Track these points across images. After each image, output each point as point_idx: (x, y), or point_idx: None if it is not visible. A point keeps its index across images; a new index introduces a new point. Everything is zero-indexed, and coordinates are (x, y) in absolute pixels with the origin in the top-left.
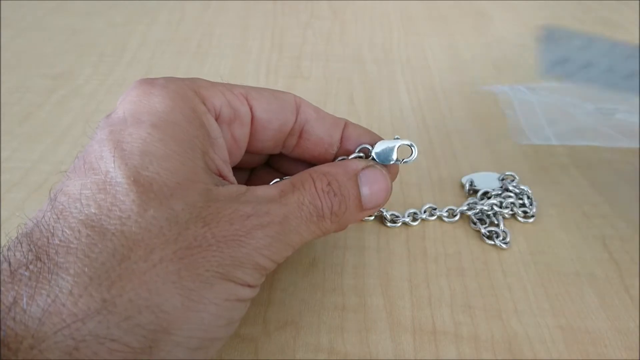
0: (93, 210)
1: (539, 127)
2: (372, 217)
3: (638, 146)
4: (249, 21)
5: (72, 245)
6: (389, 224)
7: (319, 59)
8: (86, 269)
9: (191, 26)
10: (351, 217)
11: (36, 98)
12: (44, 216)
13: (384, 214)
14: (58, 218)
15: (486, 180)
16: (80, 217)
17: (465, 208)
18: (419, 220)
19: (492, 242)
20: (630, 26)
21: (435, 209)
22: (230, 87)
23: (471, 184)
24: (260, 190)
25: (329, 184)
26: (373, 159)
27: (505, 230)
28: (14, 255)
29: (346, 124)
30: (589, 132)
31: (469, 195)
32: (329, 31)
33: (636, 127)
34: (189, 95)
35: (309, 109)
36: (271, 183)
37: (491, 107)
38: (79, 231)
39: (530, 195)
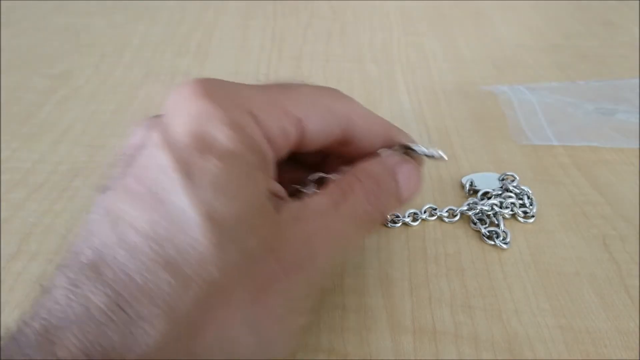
0: (170, 252)
1: (539, 127)
2: None
3: (638, 146)
4: (249, 21)
5: (153, 295)
6: (389, 224)
7: (319, 59)
8: (171, 324)
9: (191, 26)
10: (391, 210)
11: (36, 98)
12: (110, 248)
13: None
14: (132, 257)
15: (486, 181)
16: (158, 260)
17: (465, 208)
18: (419, 220)
19: (492, 242)
20: (630, 26)
21: (435, 209)
22: (284, 108)
23: (471, 184)
24: (313, 203)
25: (377, 184)
26: (406, 148)
27: (506, 230)
28: (89, 295)
29: (392, 131)
30: (589, 132)
31: (469, 195)
32: (329, 31)
33: (636, 127)
34: (248, 122)
35: (359, 120)
36: (310, 178)
37: (491, 107)
38: (159, 276)
39: (530, 195)
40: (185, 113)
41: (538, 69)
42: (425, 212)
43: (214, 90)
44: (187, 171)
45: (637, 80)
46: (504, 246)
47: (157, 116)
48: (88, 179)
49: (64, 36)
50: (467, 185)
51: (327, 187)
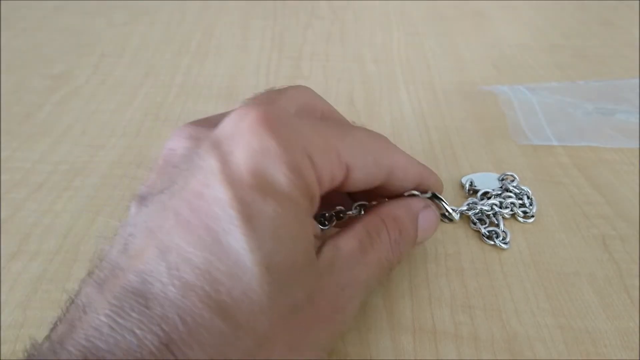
0: (224, 298)
1: (539, 127)
2: None
3: (638, 146)
4: (249, 21)
5: (205, 341)
6: None
7: (319, 59)
8: None
9: (191, 26)
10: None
11: (36, 98)
12: (159, 280)
13: None
14: (184, 296)
15: (486, 181)
16: (211, 304)
17: (465, 208)
18: None
19: (492, 242)
20: (630, 26)
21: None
22: (338, 153)
23: (471, 184)
24: (344, 247)
25: (400, 232)
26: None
27: (505, 230)
28: (136, 331)
29: (424, 176)
30: (589, 132)
31: (469, 195)
32: (329, 31)
33: (636, 127)
34: (306, 165)
35: (400, 173)
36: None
37: (491, 107)
38: (212, 322)
39: (530, 195)
40: (247, 146)
41: (538, 69)
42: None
43: (278, 125)
44: (247, 213)
45: (637, 80)
46: (504, 246)
47: (203, 125)
48: (88, 178)
49: (64, 36)
50: (467, 185)
51: (355, 227)
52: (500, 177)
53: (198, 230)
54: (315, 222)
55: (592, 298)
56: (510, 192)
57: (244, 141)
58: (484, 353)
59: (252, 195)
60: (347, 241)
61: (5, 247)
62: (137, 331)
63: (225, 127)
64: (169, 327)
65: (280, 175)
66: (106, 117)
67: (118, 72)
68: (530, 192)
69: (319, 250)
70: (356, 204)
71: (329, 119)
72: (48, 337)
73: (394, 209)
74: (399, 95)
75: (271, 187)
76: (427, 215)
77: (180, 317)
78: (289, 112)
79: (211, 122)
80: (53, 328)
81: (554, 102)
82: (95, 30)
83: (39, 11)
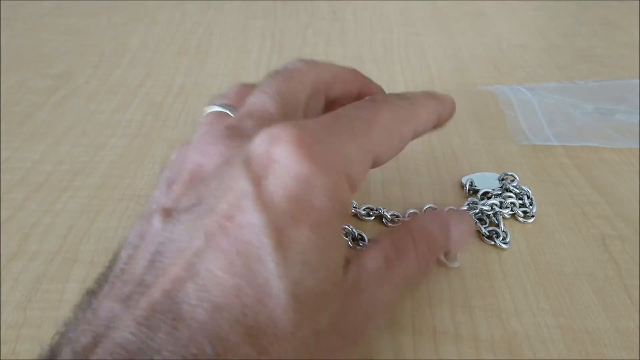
0: (251, 323)
1: (539, 127)
2: (373, 217)
3: (638, 146)
4: (249, 21)
5: None
6: (389, 224)
7: (319, 59)
8: None
9: (191, 26)
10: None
11: (36, 98)
12: (187, 301)
13: (384, 213)
14: (212, 319)
15: (486, 180)
16: (238, 329)
17: (465, 208)
18: None
19: (492, 242)
20: (630, 26)
21: (435, 209)
22: (371, 154)
23: (471, 184)
24: (368, 260)
25: (428, 247)
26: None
27: (506, 230)
28: (164, 353)
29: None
30: (589, 133)
31: (469, 195)
32: (329, 31)
33: (636, 127)
34: (344, 188)
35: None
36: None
37: (491, 107)
38: (239, 347)
39: (530, 195)
40: (283, 172)
41: (538, 69)
42: (425, 212)
43: (317, 149)
44: (279, 240)
45: (637, 80)
46: (504, 246)
47: (232, 138)
48: (88, 178)
49: (64, 36)
50: (467, 185)
51: (382, 242)
52: (500, 177)
53: (229, 254)
54: (345, 241)
55: (592, 298)
56: (511, 192)
57: (279, 167)
58: (484, 353)
59: (285, 221)
60: (373, 258)
61: (5, 247)
62: (165, 352)
63: (258, 148)
64: (198, 350)
65: (315, 201)
66: (106, 117)
67: (118, 72)
68: (530, 192)
69: (345, 269)
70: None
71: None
72: (67, 344)
73: (425, 223)
74: None
75: (306, 213)
76: (461, 228)
77: (209, 341)
78: (322, 127)
79: (239, 133)
80: (65, 333)
81: (553, 102)
82: (95, 30)
83: (39, 11)
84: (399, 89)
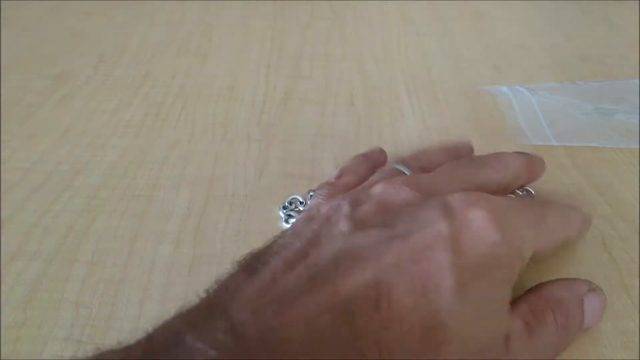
0: (417, 337)
1: (538, 128)
2: None
3: (638, 146)
4: (249, 21)
5: None
6: None
7: (319, 59)
8: None
9: (191, 26)
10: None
11: (36, 98)
12: (366, 305)
13: None
14: (385, 328)
15: None
16: (410, 338)
17: None
18: None
19: None
20: (630, 26)
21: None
22: (537, 244)
23: None
24: (510, 322)
25: (566, 317)
26: None
27: None
28: (338, 348)
29: None
30: (589, 133)
31: None
32: (329, 31)
33: (636, 127)
34: (516, 263)
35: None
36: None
37: (491, 107)
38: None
39: (532, 195)
40: (479, 233)
41: (538, 69)
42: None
43: (505, 223)
44: (461, 281)
45: (637, 80)
46: None
47: (416, 187)
48: (88, 178)
49: (64, 36)
50: None
51: (519, 307)
52: None
53: (413, 279)
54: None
55: None
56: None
57: (475, 226)
58: None
59: (470, 270)
60: (514, 322)
61: (5, 247)
62: (339, 348)
63: (456, 203)
64: (370, 353)
65: (497, 266)
66: (106, 117)
67: (118, 72)
68: (533, 192)
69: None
70: None
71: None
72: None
73: (557, 291)
74: (398, 95)
75: (488, 271)
76: (593, 299)
77: (379, 344)
78: (508, 206)
79: (420, 188)
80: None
81: (553, 102)
82: (95, 30)
83: (39, 11)
84: (399, 89)
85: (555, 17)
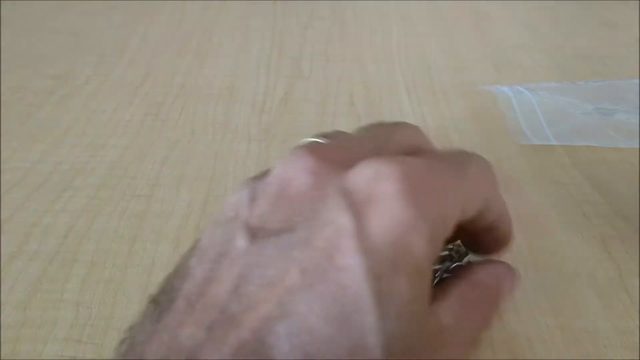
0: None
1: (538, 127)
2: None
3: (638, 146)
4: (249, 21)
5: None
6: None
7: (319, 59)
8: None
9: (191, 26)
10: None
11: (36, 98)
12: (278, 346)
13: None
14: None
15: None
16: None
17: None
18: None
19: None
20: (630, 26)
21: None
22: (461, 205)
23: None
24: (443, 318)
25: (490, 304)
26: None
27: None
28: None
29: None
30: (589, 132)
31: None
32: (329, 31)
33: (636, 127)
34: (441, 235)
35: (492, 214)
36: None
37: (491, 107)
38: None
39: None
40: (388, 215)
41: (538, 69)
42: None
43: (419, 189)
44: (379, 290)
45: (637, 80)
46: None
47: (326, 158)
48: (88, 178)
49: (64, 36)
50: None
51: (449, 297)
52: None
53: (325, 299)
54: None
55: (592, 298)
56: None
57: (384, 207)
58: (484, 353)
59: (385, 268)
60: (445, 314)
61: (5, 247)
62: None
63: (360, 182)
64: None
65: (416, 249)
66: (106, 117)
67: (118, 72)
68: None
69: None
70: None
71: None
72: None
73: (483, 277)
74: (399, 95)
75: (405, 261)
76: (511, 282)
77: None
78: (427, 168)
79: (334, 154)
80: (134, 346)
81: (553, 102)
82: (95, 30)
83: (39, 11)
84: (399, 88)
85: (555, 17)
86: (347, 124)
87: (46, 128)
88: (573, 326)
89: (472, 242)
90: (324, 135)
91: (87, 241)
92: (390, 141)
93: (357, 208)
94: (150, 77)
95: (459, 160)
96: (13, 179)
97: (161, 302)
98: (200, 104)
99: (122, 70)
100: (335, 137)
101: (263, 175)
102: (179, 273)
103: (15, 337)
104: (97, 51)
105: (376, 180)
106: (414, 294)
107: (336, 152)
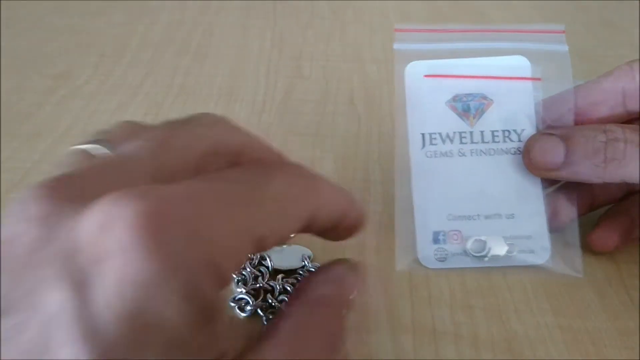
0: None
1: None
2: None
3: None
4: (249, 21)
5: None
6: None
7: (319, 59)
8: None
9: (191, 26)
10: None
11: (36, 98)
12: None
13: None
14: None
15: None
16: None
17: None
18: None
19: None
20: (630, 26)
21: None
22: (250, 232)
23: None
24: (270, 356)
25: (330, 320)
26: None
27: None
28: None
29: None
30: None
31: None
32: (329, 31)
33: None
34: (207, 286)
35: (323, 214)
36: None
37: None
38: None
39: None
40: (120, 282)
41: None
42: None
43: (173, 236)
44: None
45: None
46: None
47: (62, 191)
48: None
49: (64, 36)
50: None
51: (279, 332)
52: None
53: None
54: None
55: (592, 298)
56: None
57: (113, 267)
58: (484, 353)
59: (122, 354)
60: (272, 354)
61: None
62: None
63: (87, 233)
64: None
65: (167, 314)
66: (106, 117)
67: (118, 72)
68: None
69: None
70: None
71: (244, 157)
72: None
73: (319, 289)
74: None
75: (150, 336)
76: (354, 282)
77: None
78: (186, 195)
79: (80, 190)
80: None
81: None
82: (95, 30)
83: (39, 11)
84: None
85: (555, 17)
86: (347, 124)
87: (46, 128)
88: (573, 326)
89: (322, 235)
90: (97, 141)
91: None
92: (181, 149)
93: (80, 275)
94: (150, 77)
95: (257, 175)
96: (13, 179)
97: None
98: (200, 104)
99: (122, 70)
100: (102, 148)
101: None
102: None
103: None
104: (97, 51)
105: (104, 229)
106: None
107: (85, 179)
